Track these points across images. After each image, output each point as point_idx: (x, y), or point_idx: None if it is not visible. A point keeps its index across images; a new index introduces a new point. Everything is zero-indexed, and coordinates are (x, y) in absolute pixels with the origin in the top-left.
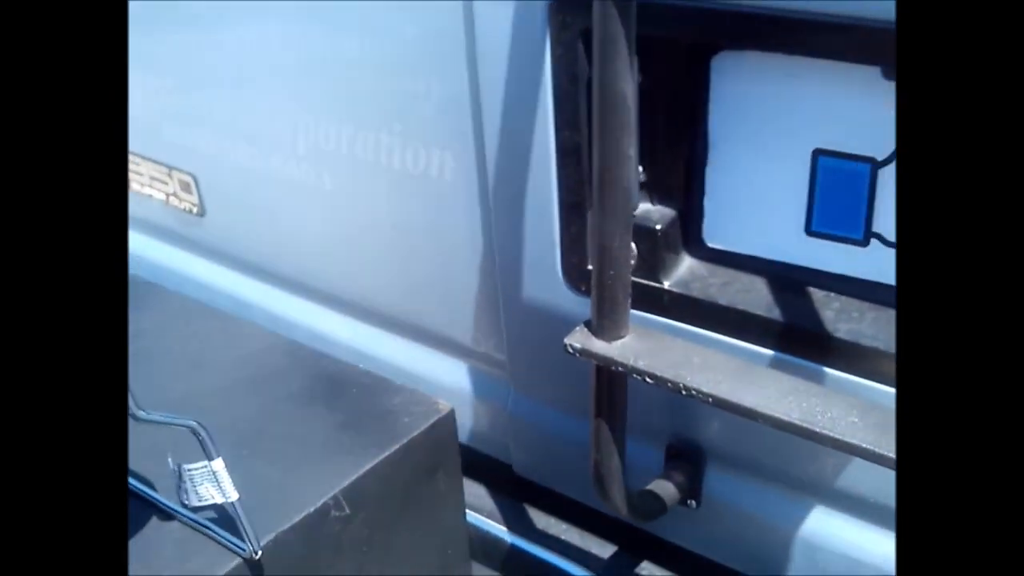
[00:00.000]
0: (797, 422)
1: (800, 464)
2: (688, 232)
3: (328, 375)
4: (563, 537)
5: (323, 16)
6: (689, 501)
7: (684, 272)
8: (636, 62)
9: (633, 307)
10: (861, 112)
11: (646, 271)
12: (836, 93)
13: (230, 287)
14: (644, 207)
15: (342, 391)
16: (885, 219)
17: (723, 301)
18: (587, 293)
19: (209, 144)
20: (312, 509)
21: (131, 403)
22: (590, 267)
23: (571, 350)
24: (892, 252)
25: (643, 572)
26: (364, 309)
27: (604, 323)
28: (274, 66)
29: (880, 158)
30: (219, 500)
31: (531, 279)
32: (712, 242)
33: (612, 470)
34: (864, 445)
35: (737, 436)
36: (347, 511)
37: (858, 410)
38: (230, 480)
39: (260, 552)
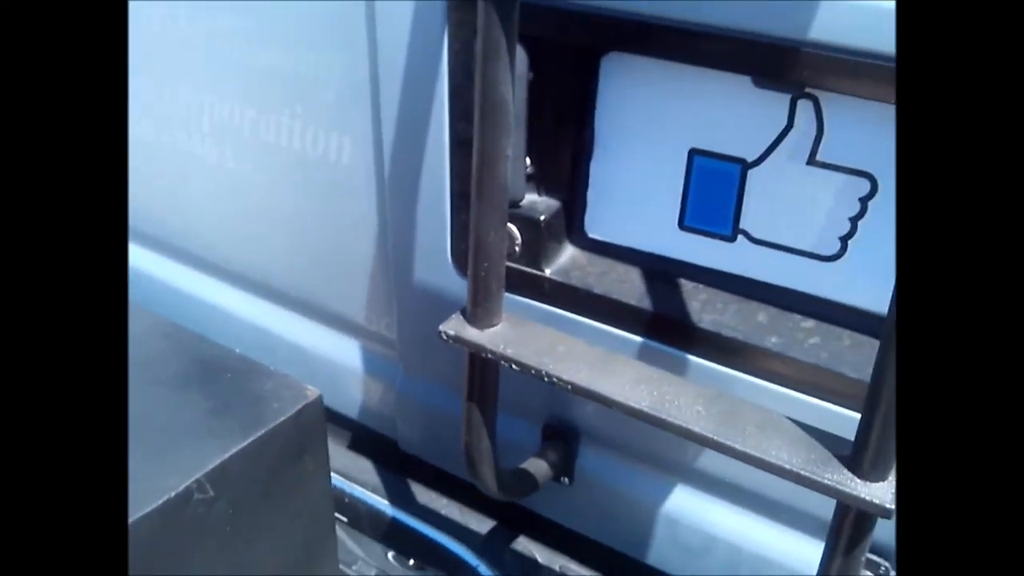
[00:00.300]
0: (646, 410)
1: (665, 445)
2: (571, 223)
3: (204, 359)
4: (443, 512)
5: (223, 2)
6: (563, 478)
7: (565, 261)
8: (519, 65)
9: (515, 293)
10: (734, 116)
11: (529, 259)
12: (713, 98)
13: (131, 260)
14: (530, 198)
15: (216, 376)
16: (752, 217)
17: (599, 290)
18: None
19: None
20: (174, 493)
21: None
22: None
23: (445, 337)
24: (757, 248)
25: (518, 547)
26: (262, 286)
27: (478, 312)
28: (183, 42)
29: (750, 159)
30: None
31: (422, 263)
32: (593, 233)
33: (483, 451)
34: (705, 433)
35: (608, 417)
36: (211, 494)
37: (704, 400)
38: None
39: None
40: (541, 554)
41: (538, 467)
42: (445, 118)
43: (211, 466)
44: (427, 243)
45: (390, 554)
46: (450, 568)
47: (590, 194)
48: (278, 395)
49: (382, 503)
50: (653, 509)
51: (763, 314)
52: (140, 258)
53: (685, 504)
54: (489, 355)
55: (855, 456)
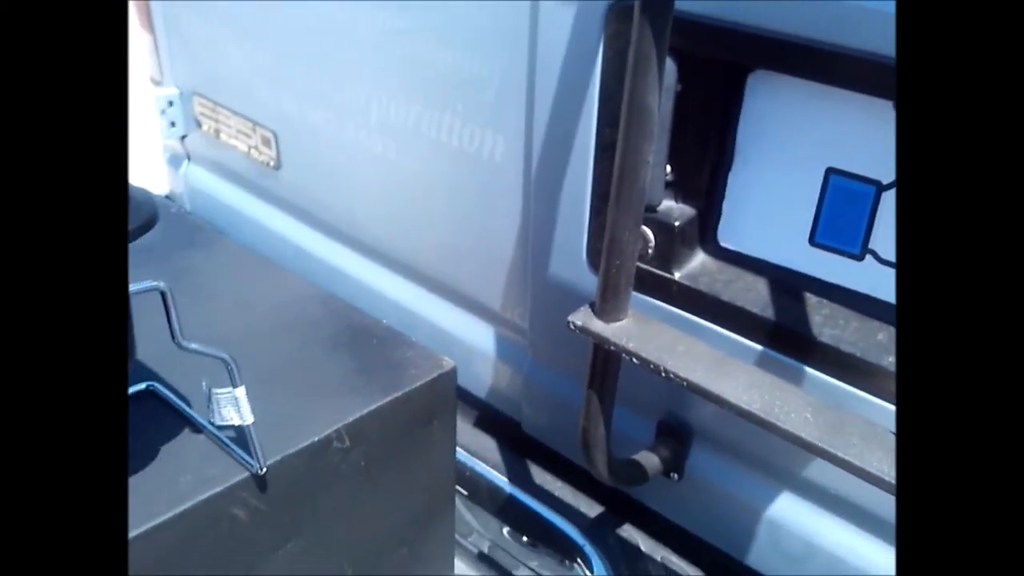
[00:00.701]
0: (756, 412)
1: (774, 451)
2: (704, 230)
3: (353, 326)
4: (557, 493)
5: (402, 4)
6: (672, 474)
7: (695, 266)
8: (666, 76)
9: (643, 293)
10: (873, 139)
11: (660, 261)
12: (853, 120)
13: (295, 236)
14: (667, 204)
15: (363, 341)
16: (882, 238)
17: (725, 296)
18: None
19: (292, 106)
20: (316, 439)
21: (175, 331)
22: None
23: (572, 326)
24: (884, 268)
25: (624, 533)
26: (410, 268)
27: (606, 306)
28: (357, 42)
29: (885, 182)
30: (237, 422)
31: (559, 259)
32: (725, 242)
33: (598, 437)
34: (810, 439)
35: (721, 419)
36: (347, 444)
37: (813, 408)
38: (248, 406)
39: (265, 469)
40: (644, 543)
41: (649, 460)
42: (593, 123)
43: (350, 419)
44: (565, 240)
45: (505, 529)
46: (559, 546)
47: (726, 204)
48: (416, 363)
49: (501, 480)
50: (757, 512)
51: (883, 334)
52: (304, 236)
53: (789, 510)
54: (612, 347)
55: None
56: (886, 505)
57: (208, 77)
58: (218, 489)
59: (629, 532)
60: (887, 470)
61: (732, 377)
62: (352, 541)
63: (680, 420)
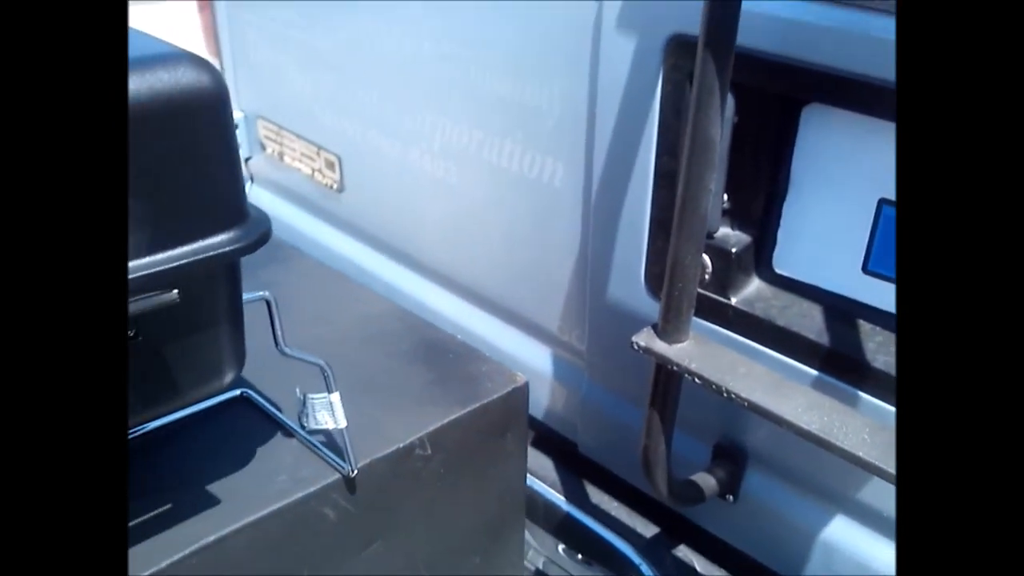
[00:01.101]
0: (816, 432)
1: (830, 474)
2: (760, 257)
3: (430, 340)
4: (613, 513)
5: (465, 34)
6: (728, 496)
7: (751, 292)
8: (729, 107)
9: (701, 317)
10: None
11: (717, 287)
12: None
13: (357, 257)
14: (724, 231)
15: (439, 355)
16: None
17: (781, 322)
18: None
19: (356, 131)
20: (401, 445)
21: (279, 338)
22: None
23: (636, 347)
24: None
25: (679, 553)
26: (470, 290)
27: (668, 328)
28: (421, 69)
29: None
30: (331, 426)
31: (617, 283)
32: (780, 269)
33: (659, 456)
34: (868, 459)
35: (777, 442)
36: (428, 451)
37: (870, 429)
38: (343, 411)
39: (356, 471)
40: (700, 563)
41: (706, 481)
42: (652, 151)
43: (431, 428)
44: (623, 264)
45: (560, 547)
46: (615, 566)
47: (780, 232)
48: (491, 377)
49: (558, 498)
50: (812, 535)
51: None
52: (366, 257)
53: (843, 534)
54: (675, 367)
55: None
56: None
57: (273, 101)
58: (312, 489)
59: (684, 552)
60: None
61: (791, 398)
62: (430, 546)
63: (736, 443)
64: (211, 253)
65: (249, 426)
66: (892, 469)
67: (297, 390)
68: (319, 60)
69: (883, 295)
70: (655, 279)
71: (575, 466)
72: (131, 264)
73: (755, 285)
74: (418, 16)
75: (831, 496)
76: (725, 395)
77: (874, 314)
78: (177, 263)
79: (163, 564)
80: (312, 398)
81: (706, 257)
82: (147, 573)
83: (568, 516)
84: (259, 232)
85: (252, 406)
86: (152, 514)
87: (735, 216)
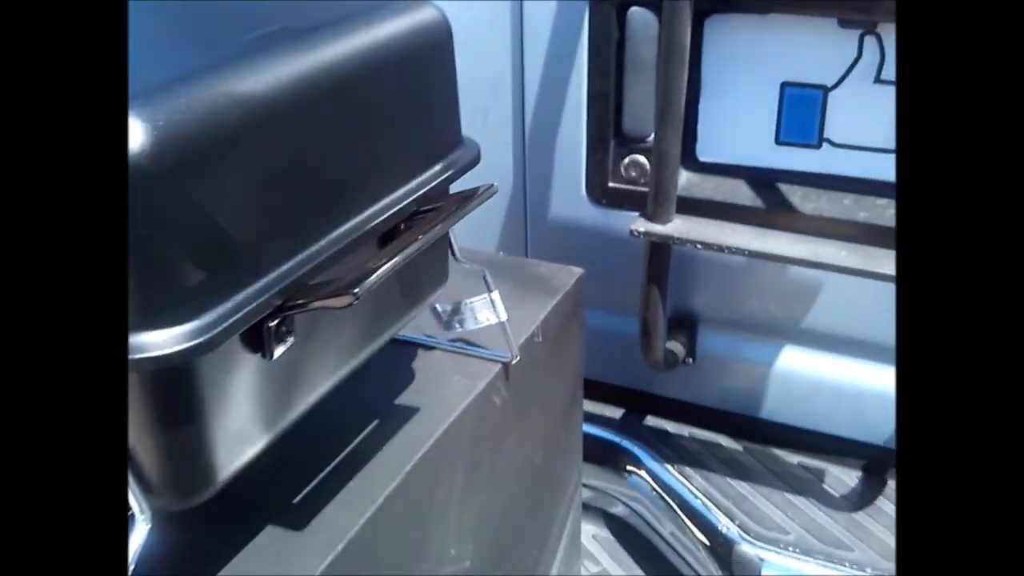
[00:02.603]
0: (810, 258)
1: (775, 316)
2: (686, 152)
3: (483, 259)
4: (587, 409)
5: None
6: (688, 359)
7: (684, 181)
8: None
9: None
10: (819, 53)
11: None
12: (800, 39)
13: None
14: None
15: (502, 266)
16: (833, 128)
17: (718, 198)
18: (607, 205)
19: None
20: (526, 335)
21: (456, 248)
22: (611, 184)
23: (636, 233)
24: (838, 150)
25: (650, 423)
26: None
27: (659, 211)
28: None
29: (830, 84)
30: (494, 321)
31: (558, 198)
32: (704, 157)
33: (657, 325)
34: (855, 266)
35: (720, 304)
36: (541, 338)
37: (847, 250)
38: (503, 305)
39: (518, 357)
40: (671, 427)
41: (674, 347)
42: (584, 74)
43: (541, 317)
44: (563, 180)
45: None
46: (599, 450)
47: (700, 128)
48: (554, 274)
49: None
50: (765, 371)
51: (848, 200)
52: None
53: (792, 361)
54: (677, 242)
55: None
56: (881, 330)
57: None
58: (488, 379)
59: (655, 421)
60: None
61: (778, 240)
62: (545, 424)
63: (686, 314)
64: (450, 172)
65: (396, 350)
66: (875, 268)
67: (436, 306)
68: None
69: (796, 159)
70: (596, 188)
71: None
72: (412, 183)
73: (685, 176)
74: None
75: (778, 332)
76: (726, 251)
77: (791, 175)
78: (434, 182)
79: (406, 469)
80: (471, 302)
81: (643, 158)
82: (393, 485)
83: None
84: (476, 150)
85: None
86: (366, 432)
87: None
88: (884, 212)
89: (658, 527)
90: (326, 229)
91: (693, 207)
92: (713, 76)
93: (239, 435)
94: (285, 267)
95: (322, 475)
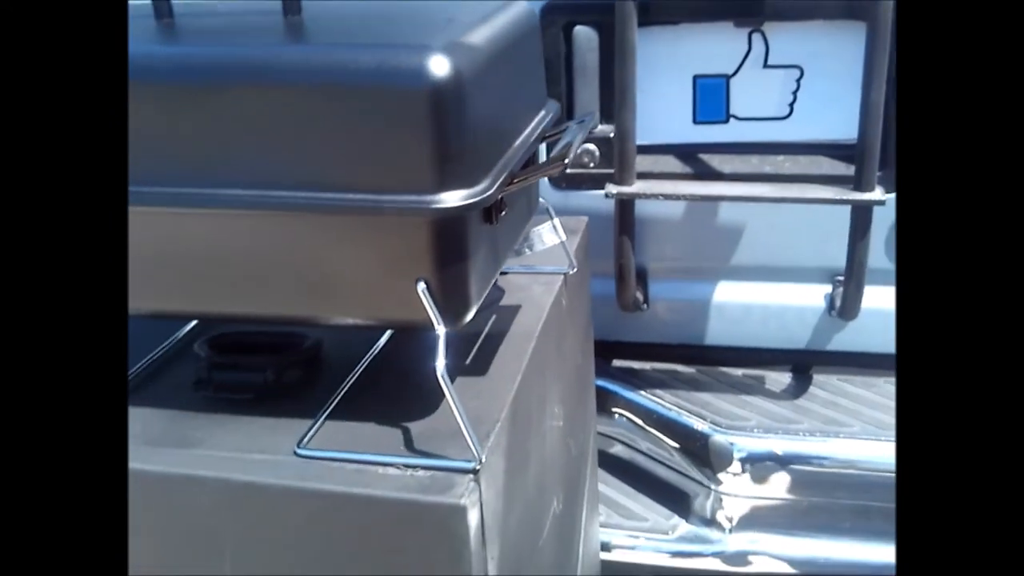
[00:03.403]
0: (768, 195)
1: (707, 257)
2: None
3: None
4: None
5: None
6: (644, 305)
7: None
8: (595, 38)
9: (600, 188)
10: (720, 50)
11: (605, 164)
12: (705, 41)
13: None
14: (601, 127)
15: None
16: (736, 105)
17: (656, 170)
18: (566, 187)
19: None
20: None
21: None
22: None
23: (609, 195)
24: (743, 123)
25: (619, 364)
26: None
27: (624, 176)
28: None
29: (730, 72)
30: (557, 241)
31: None
32: (640, 141)
33: (629, 271)
34: (777, 196)
35: (664, 256)
36: (575, 268)
37: (768, 188)
38: (562, 228)
39: (576, 267)
40: (636, 364)
41: (637, 294)
42: None
43: (572, 249)
44: None
45: None
46: None
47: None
48: (566, 224)
49: None
50: (705, 306)
51: (755, 159)
52: None
53: (726, 294)
54: (646, 196)
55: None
56: (793, 257)
57: None
58: (557, 287)
59: (621, 363)
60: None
61: (732, 186)
62: (575, 343)
63: (638, 268)
64: (556, 109)
65: None
66: (796, 195)
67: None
68: None
69: (711, 133)
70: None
71: None
72: (542, 113)
73: None
74: None
75: (710, 273)
76: (688, 199)
77: (708, 146)
78: (550, 114)
79: (532, 342)
80: (536, 229)
81: (593, 146)
82: (529, 351)
83: None
84: (558, 104)
85: None
86: (491, 321)
87: (604, 113)
88: (783, 165)
89: (636, 445)
90: (521, 132)
91: (639, 179)
92: (641, 76)
93: (480, 278)
94: (506, 156)
95: (477, 343)
